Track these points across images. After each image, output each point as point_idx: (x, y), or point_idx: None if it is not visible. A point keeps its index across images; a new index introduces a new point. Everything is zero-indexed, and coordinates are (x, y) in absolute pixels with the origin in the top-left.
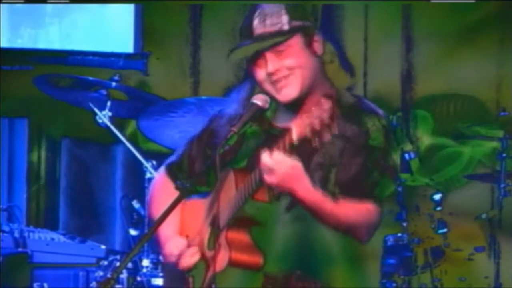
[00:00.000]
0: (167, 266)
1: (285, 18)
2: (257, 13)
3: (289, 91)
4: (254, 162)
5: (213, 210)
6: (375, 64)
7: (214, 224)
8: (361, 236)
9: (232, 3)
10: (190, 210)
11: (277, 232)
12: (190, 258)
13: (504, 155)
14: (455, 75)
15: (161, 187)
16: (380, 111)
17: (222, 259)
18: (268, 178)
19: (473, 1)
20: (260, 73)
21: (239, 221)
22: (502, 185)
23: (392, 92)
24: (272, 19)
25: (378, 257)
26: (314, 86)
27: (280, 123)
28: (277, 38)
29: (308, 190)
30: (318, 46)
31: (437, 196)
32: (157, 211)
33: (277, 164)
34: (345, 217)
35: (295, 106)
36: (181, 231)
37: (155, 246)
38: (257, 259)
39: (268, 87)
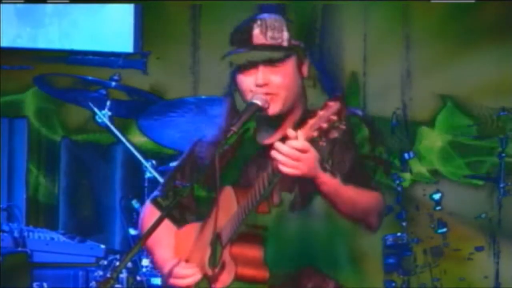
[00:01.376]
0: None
1: (286, 35)
2: (258, 22)
3: (270, 108)
4: (249, 177)
5: (214, 228)
6: (375, 64)
7: (216, 242)
8: (373, 223)
9: (232, 3)
10: (185, 235)
11: (280, 238)
12: (191, 278)
13: (503, 155)
14: (455, 74)
15: (150, 219)
16: (360, 112)
17: (227, 274)
18: (294, 171)
19: (473, 1)
20: (247, 82)
21: (243, 235)
22: (501, 185)
23: (392, 92)
24: (273, 33)
25: (379, 257)
26: (294, 105)
27: (263, 139)
28: (277, 54)
29: (326, 175)
30: (305, 69)
31: (437, 196)
32: (150, 242)
33: (303, 153)
34: (359, 203)
35: (276, 123)
36: (176, 254)
37: (155, 269)
38: (263, 272)
39: (250, 98)
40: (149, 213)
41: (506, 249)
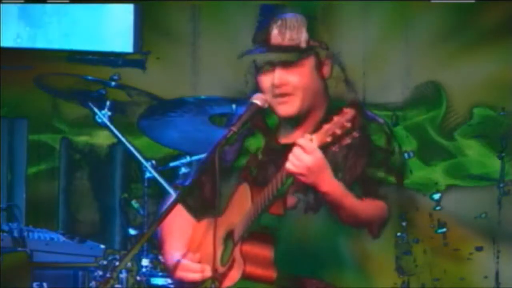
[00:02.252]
0: (176, 282)
1: (304, 36)
2: (278, 23)
3: (287, 109)
4: (268, 177)
5: (229, 225)
6: (375, 64)
7: (229, 239)
8: (375, 231)
9: (232, 3)
10: (200, 229)
11: (291, 241)
12: (199, 273)
13: (503, 154)
14: (455, 75)
15: (173, 212)
16: (381, 120)
17: (235, 272)
18: (294, 169)
19: (473, 1)
20: (266, 82)
21: (255, 234)
22: (501, 185)
23: (392, 92)
24: (292, 33)
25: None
26: (315, 105)
27: (284, 138)
28: (293, 55)
29: (331, 183)
30: (327, 70)
31: (437, 196)
32: (164, 230)
33: (306, 154)
34: (363, 213)
35: (297, 122)
36: (190, 247)
37: (164, 265)
38: (270, 273)
39: (269, 99)
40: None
41: (506, 249)
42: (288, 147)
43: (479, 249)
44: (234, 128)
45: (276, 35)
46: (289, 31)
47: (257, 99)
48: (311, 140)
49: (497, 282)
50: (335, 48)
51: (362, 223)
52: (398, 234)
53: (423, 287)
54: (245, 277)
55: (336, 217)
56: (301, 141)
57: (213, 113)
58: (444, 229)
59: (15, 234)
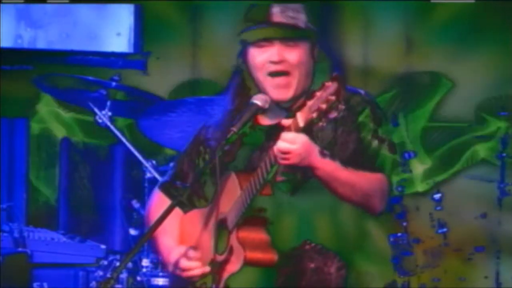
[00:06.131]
0: (172, 277)
1: (303, 17)
2: (277, 3)
3: (283, 92)
4: (253, 162)
5: (219, 214)
6: (375, 64)
7: (222, 227)
8: (376, 205)
9: (232, 3)
10: (190, 221)
11: (285, 221)
12: (195, 270)
13: (503, 154)
14: (455, 74)
15: (158, 206)
16: (362, 91)
17: (237, 259)
18: (287, 162)
19: (473, 1)
20: (261, 59)
21: (249, 220)
22: (502, 185)
23: (392, 92)
24: (292, 13)
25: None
26: (304, 89)
27: (266, 120)
28: (295, 32)
29: (321, 160)
30: (316, 54)
31: (437, 196)
32: (160, 231)
33: (291, 144)
34: (359, 185)
35: (280, 105)
36: (181, 242)
37: (160, 260)
38: (271, 255)
39: (262, 77)
40: (157, 200)
41: (506, 249)
42: (271, 129)
43: (479, 249)
44: (235, 128)
45: (277, 13)
46: (290, 10)
47: (258, 99)
48: (289, 126)
49: (497, 282)
50: (335, 48)
51: (360, 197)
52: (399, 234)
53: (423, 287)
54: (247, 262)
55: (333, 194)
56: (283, 135)
57: (213, 113)
58: (445, 229)
59: (16, 234)
